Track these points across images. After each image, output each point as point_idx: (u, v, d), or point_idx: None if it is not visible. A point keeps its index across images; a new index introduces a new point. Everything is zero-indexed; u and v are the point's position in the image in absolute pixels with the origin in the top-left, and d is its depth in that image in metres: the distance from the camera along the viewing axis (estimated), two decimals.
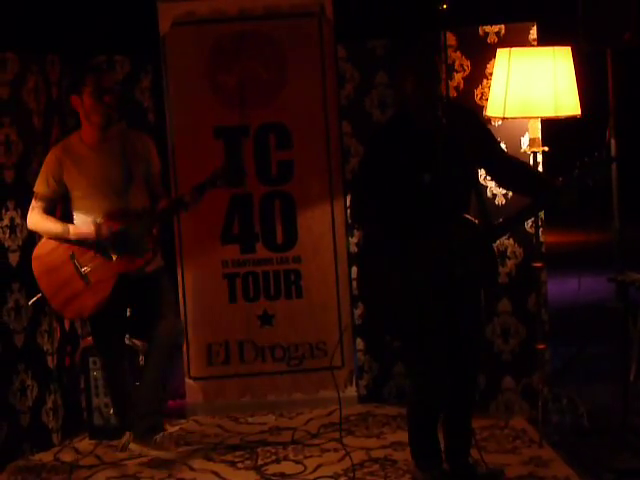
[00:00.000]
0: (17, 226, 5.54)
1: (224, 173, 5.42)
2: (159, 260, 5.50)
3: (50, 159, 5.38)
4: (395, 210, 4.63)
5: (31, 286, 5.41)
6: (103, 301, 5.28)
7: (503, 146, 5.74)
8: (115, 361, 5.56)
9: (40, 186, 5.38)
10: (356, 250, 6.11)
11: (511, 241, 5.82)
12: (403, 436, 5.12)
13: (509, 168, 4.86)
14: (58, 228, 5.35)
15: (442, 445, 4.92)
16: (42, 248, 5.37)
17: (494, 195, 5.80)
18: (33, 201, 5.39)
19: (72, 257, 5.31)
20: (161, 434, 5.44)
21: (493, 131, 5.63)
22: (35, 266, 5.35)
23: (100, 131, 5.34)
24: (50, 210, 5.39)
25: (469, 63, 5.82)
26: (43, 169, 5.38)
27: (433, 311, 4.59)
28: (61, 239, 5.33)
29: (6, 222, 5.49)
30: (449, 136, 4.63)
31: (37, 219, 5.38)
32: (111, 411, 5.75)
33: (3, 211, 5.49)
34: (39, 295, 5.35)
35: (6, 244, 5.49)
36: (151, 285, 5.43)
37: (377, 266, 4.68)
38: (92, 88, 5.25)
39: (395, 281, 4.60)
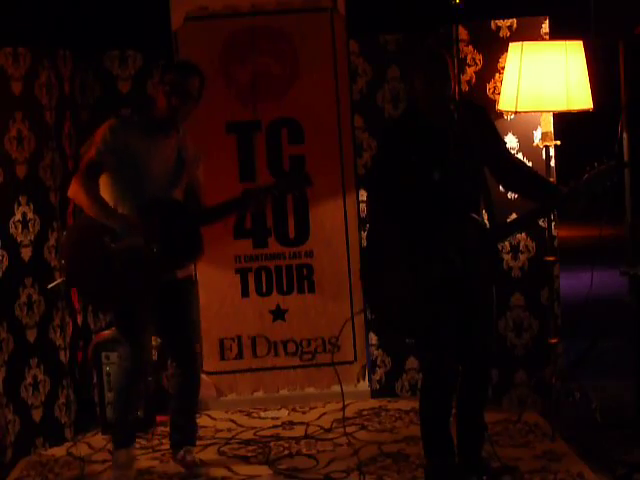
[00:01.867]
0: (30, 221, 5.55)
1: (288, 182, 5.23)
2: (190, 267, 5.29)
3: (115, 127, 5.01)
4: (405, 207, 4.63)
5: (45, 279, 5.40)
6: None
7: (515, 140, 5.78)
8: (140, 368, 5.22)
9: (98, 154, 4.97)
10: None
11: (524, 235, 5.81)
12: (416, 430, 5.11)
13: (513, 170, 4.81)
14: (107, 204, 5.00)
15: (455, 440, 4.92)
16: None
17: None
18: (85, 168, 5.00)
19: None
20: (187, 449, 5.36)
21: (505, 125, 5.68)
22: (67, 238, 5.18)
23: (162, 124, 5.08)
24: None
25: (481, 57, 5.81)
26: (104, 137, 4.98)
27: (441, 308, 4.59)
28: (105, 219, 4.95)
29: (18, 217, 5.49)
30: (460, 134, 4.62)
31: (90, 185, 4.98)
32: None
33: (15, 206, 5.50)
34: (60, 280, 5.26)
35: (18, 239, 5.50)
36: (179, 295, 5.17)
37: (383, 264, 4.68)
38: (167, 86, 5.01)
39: (402, 279, 4.60)
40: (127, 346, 5.11)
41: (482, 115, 4.81)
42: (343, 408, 5.54)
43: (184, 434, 5.36)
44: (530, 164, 5.73)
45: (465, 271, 4.56)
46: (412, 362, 6.18)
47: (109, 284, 4.93)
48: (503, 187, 5.14)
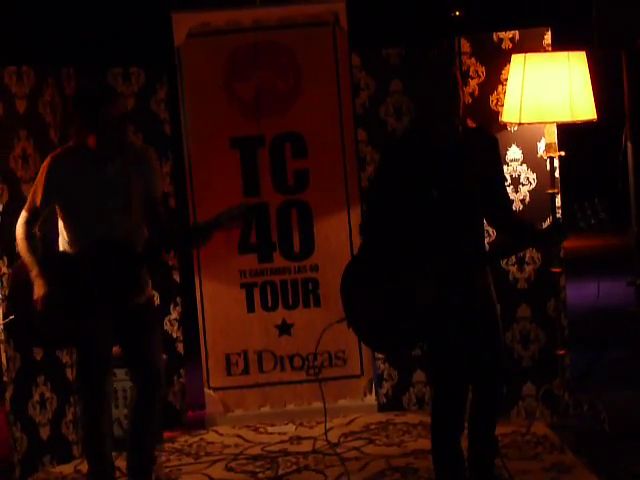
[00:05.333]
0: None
1: (242, 211, 5.01)
2: (146, 292, 5.10)
3: (51, 168, 4.94)
4: (399, 223, 4.64)
5: None
6: None
7: (519, 152, 5.77)
8: (101, 401, 5.08)
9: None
10: None
11: None
12: (424, 444, 5.10)
13: (502, 208, 4.76)
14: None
15: (466, 454, 4.90)
16: None
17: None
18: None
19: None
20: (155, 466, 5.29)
21: (509, 137, 5.68)
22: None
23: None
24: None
25: (484, 69, 5.81)
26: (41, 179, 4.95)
27: (436, 324, 4.60)
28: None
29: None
30: (464, 156, 4.62)
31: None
32: None
33: None
34: (12, 317, 5.04)
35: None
36: (139, 319, 5.04)
37: (373, 280, 4.68)
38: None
39: (395, 293, 4.61)
40: (82, 383, 5.10)
41: (491, 144, 4.78)
42: (325, 424, 5.51)
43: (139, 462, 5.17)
44: (534, 175, 5.77)
45: (456, 291, 4.56)
46: (419, 375, 6.17)
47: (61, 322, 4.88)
48: (486, 220, 4.93)
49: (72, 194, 4.89)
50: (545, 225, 5.59)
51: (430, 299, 4.55)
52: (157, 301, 6.12)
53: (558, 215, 5.56)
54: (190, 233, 5.24)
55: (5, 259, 5.42)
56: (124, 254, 4.90)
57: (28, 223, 4.94)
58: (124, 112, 4.97)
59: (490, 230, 5.54)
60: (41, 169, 4.95)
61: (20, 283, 4.95)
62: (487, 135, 4.84)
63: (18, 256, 5.00)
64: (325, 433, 5.52)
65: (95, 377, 5.03)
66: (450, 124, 4.60)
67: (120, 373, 5.76)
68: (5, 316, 5.09)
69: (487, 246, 4.98)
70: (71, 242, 4.95)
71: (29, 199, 4.97)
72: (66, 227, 4.96)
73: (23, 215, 4.97)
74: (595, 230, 4.52)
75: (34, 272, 4.89)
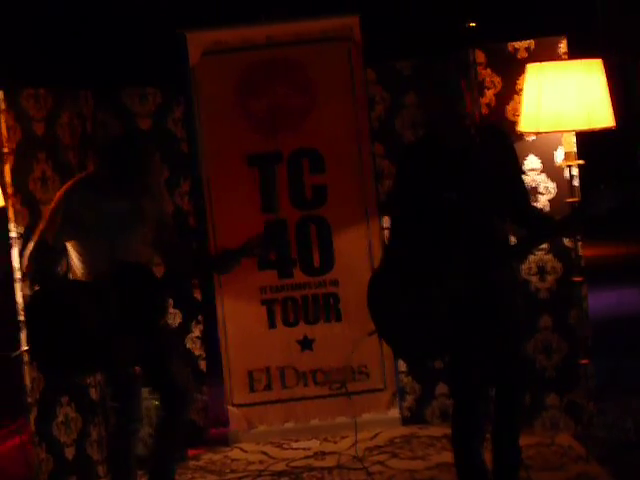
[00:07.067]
0: None
1: (260, 241, 5.08)
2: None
3: (62, 201, 4.99)
4: (419, 227, 4.64)
5: None
6: None
7: (538, 161, 5.76)
8: (133, 424, 5.09)
9: None
10: None
11: (550, 256, 5.77)
12: (448, 457, 5.08)
13: (523, 206, 4.74)
14: None
15: (491, 466, 4.87)
16: None
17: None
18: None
19: None
20: None
21: (527, 146, 5.66)
22: None
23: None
24: None
25: (499, 79, 5.81)
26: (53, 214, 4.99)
27: (456, 329, 4.58)
28: None
29: None
30: (479, 155, 4.62)
31: None
32: None
33: None
34: (23, 349, 5.10)
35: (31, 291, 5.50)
36: (157, 340, 5.07)
37: (395, 286, 4.68)
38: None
39: (417, 299, 4.61)
40: (115, 406, 5.09)
41: (503, 139, 4.78)
42: (355, 436, 5.52)
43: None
44: (554, 185, 5.75)
45: (474, 293, 4.55)
46: (442, 388, 6.14)
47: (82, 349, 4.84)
48: (508, 217, 4.85)
49: (88, 227, 4.91)
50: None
51: (456, 305, 4.54)
52: (179, 319, 6.15)
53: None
54: (211, 261, 5.25)
55: (27, 282, 5.43)
56: (147, 278, 4.90)
57: (37, 251, 4.92)
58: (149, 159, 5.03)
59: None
60: (54, 201, 4.96)
61: (39, 313, 4.92)
62: (498, 131, 4.84)
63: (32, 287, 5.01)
64: (355, 444, 5.58)
65: (127, 399, 5.03)
66: (459, 122, 4.60)
67: (143, 392, 5.75)
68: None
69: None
70: (88, 273, 4.93)
71: (39, 230, 4.95)
72: (81, 259, 4.95)
73: (31, 247, 4.94)
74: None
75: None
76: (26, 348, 5.03)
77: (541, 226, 4.69)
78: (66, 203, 4.93)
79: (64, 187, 5.03)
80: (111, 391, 5.15)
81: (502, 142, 4.74)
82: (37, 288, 5.02)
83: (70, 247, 4.97)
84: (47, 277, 4.95)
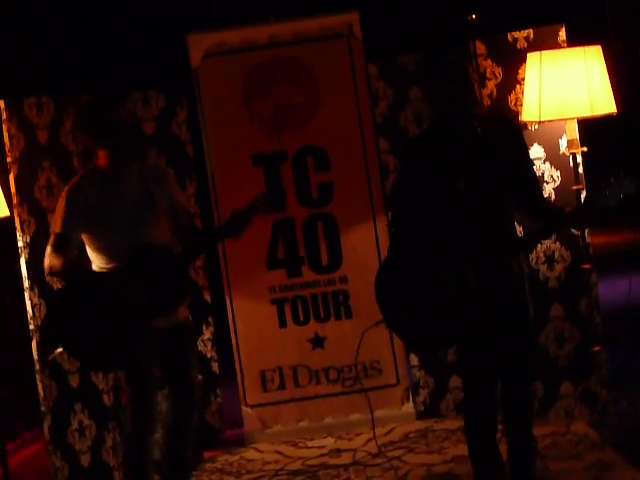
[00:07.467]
0: None
1: (265, 199, 5.13)
2: (183, 311, 5.09)
3: (70, 196, 4.97)
4: (426, 219, 4.63)
5: None
6: None
7: (542, 150, 5.74)
8: (151, 425, 5.03)
9: None
10: None
11: (558, 245, 5.75)
12: (464, 450, 5.06)
13: (533, 195, 4.74)
14: None
15: (506, 456, 4.87)
16: None
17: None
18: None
19: None
20: None
21: (530, 135, 5.64)
22: None
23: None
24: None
25: (500, 70, 5.79)
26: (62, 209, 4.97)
27: (467, 323, 4.58)
28: None
29: None
30: (487, 146, 4.62)
31: None
32: None
33: None
34: (59, 350, 5.03)
35: (55, 287, 5.52)
36: (180, 337, 5.06)
37: (403, 277, 4.67)
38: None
39: (423, 292, 4.60)
40: (133, 406, 5.00)
41: (510, 128, 4.78)
42: (373, 430, 5.51)
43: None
44: (558, 173, 5.73)
45: (484, 285, 4.54)
46: (455, 381, 6.11)
47: (109, 344, 4.85)
48: (517, 207, 4.87)
49: (97, 218, 4.90)
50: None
51: (465, 293, 4.54)
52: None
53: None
54: (222, 228, 5.21)
55: (36, 290, 5.46)
56: (165, 257, 4.91)
57: (56, 251, 4.92)
58: (132, 121, 5.05)
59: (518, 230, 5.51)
60: (59, 202, 4.95)
61: (64, 308, 4.91)
62: (505, 120, 4.84)
63: (50, 286, 5.01)
64: (374, 438, 5.57)
65: (146, 399, 4.98)
66: (468, 117, 4.60)
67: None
68: (45, 344, 5.09)
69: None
70: (106, 263, 4.93)
71: (51, 231, 4.95)
72: (98, 251, 4.94)
73: (48, 248, 4.94)
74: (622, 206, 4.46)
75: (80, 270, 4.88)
76: (60, 349, 4.98)
77: (551, 217, 4.68)
78: (71, 197, 4.91)
79: (67, 186, 5.01)
80: (130, 390, 5.07)
81: (512, 132, 4.75)
82: (62, 283, 5.03)
83: (86, 241, 4.96)
84: (72, 270, 4.92)
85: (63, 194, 4.96)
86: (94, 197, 4.91)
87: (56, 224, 4.93)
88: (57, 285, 5.44)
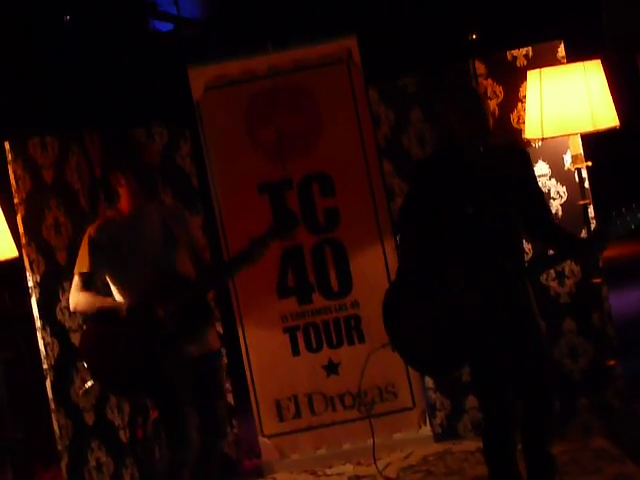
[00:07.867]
0: None
1: (281, 225, 5.12)
2: (210, 341, 5.09)
3: (94, 236, 5.05)
4: (435, 242, 4.64)
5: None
6: None
7: (546, 167, 5.74)
8: (186, 451, 4.98)
9: None
10: None
11: (567, 260, 5.74)
12: (484, 470, 5.03)
13: (544, 224, 4.75)
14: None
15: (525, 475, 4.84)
16: None
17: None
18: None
19: None
20: None
21: (534, 152, 5.65)
22: None
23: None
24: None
25: (501, 89, 5.80)
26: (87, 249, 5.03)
27: (478, 343, 4.58)
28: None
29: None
30: (496, 171, 4.62)
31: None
32: None
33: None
34: (91, 383, 5.08)
35: (67, 325, 5.54)
36: (207, 370, 5.07)
37: (411, 300, 4.67)
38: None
39: (437, 313, 4.61)
40: (173, 435, 4.97)
41: (523, 158, 4.79)
42: (374, 454, 5.48)
43: None
44: (564, 189, 5.74)
45: (498, 307, 4.54)
46: (472, 401, 6.08)
47: (140, 373, 4.89)
48: (527, 234, 4.92)
49: (120, 257, 4.94)
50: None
51: (473, 316, 4.54)
52: None
53: (593, 225, 5.53)
54: (240, 256, 5.17)
55: (48, 329, 5.46)
56: (188, 283, 4.95)
57: (81, 290, 4.95)
58: (154, 162, 5.10)
59: (527, 247, 5.50)
60: (83, 243, 4.99)
61: (92, 345, 4.94)
62: (518, 150, 4.86)
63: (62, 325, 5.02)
64: (374, 462, 5.59)
65: (181, 424, 4.94)
66: (483, 137, 4.61)
67: None
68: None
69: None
70: (130, 297, 4.95)
71: (76, 272, 4.97)
72: (122, 286, 4.98)
73: (73, 288, 4.97)
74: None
75: (108, 302, 4.92)
76: (91, 383, 5.04)
77: (564, 245, 4.69)
78: (95, 238, 4.96)
79: (89, 227, 5.06)
80: (164, 421, 5.05)
81: (521, 159, 4.75)
82: (89, 322, 5.07)
83: (110, 279, 5.00)
84: (99, 305, 4.94)
85: (86, 236, 5.00)
86: (117, 237, 4.96)
87: (81, 265, 4.97)
88: (69, 323, 5.47)
